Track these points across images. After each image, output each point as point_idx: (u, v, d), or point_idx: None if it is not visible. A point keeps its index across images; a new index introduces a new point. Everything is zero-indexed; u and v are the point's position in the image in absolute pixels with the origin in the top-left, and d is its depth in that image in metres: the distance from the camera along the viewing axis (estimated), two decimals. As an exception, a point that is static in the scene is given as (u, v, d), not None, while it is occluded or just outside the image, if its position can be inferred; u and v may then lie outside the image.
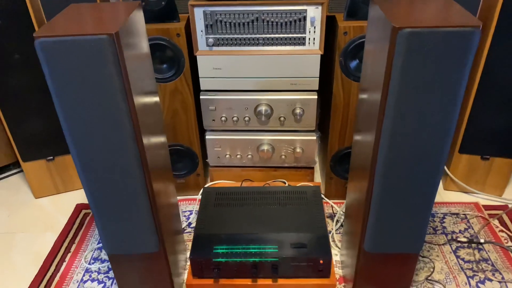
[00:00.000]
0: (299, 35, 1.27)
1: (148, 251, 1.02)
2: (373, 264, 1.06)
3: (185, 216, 1.51)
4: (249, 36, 1.28)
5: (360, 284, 1.10)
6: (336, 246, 1.37)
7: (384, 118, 0.82)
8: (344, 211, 1.44)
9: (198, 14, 1.25)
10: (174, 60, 1.31)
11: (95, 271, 1.31)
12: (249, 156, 1.49)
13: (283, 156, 1.48)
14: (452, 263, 1.30)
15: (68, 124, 0.82)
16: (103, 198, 0.92)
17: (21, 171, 1.76)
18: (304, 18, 1.24)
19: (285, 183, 1.51)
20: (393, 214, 0.95)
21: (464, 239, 1.38)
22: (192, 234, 1.31)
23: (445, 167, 1.58)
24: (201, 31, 1.27)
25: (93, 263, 1.33)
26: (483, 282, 1.23)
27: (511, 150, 1.46)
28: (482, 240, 1.37)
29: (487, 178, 1.55)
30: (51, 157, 1.57)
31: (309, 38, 1.27)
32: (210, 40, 1.28)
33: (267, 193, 1.32)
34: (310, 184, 1.51)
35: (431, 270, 1.27)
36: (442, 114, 0.80)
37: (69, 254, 1.37)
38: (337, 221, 1.45)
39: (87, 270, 1.31)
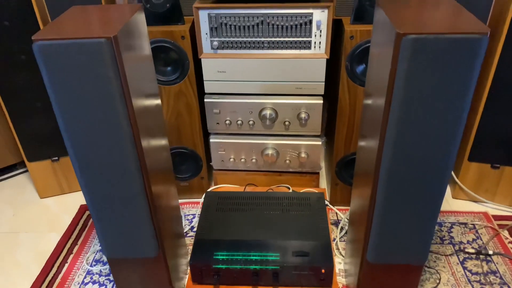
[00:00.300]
0: (304, 39, 1.25)
1: (147, 256, 1.01)
2: (376, 274, 1.03)
3: (188, 219, 1.49)
4: (254, 39, 1.26)
5: (363, 294, 1.08)
6: (340, 254, 1.34)
7: (388, 125, 0.80)
8: (348, 218, 1.42)
9: (203, 17, 1.24)
10: (179, 62, 1.30)
11: (97, 273, 1.30)
12: (254, 160, 1.47)
13: (287, 161, 1.46)
14: (459, 275, 1.26)
15: (66, 127, 0.81)
16: (101, 201, 0.91)
17: (27, 170, 1.77)
18: (310, 21, 1.22)
19: (289, 188, 1.49)
20: (397, 225, 0.92)
21: (472, 250, 1.34)
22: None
23: (454, 175, 1.54)
24: (206, 33, 1.26)
25: (94, 265, 1.33)
26: (490, 295, 1.20)
27: (522, 159, 1.42)
28: (490, 252, 1.33)
29: (498, 187, 1.51)
30: (56, 158, 1.57)
31: (315, 42, 1.25)
32: (215, 43, 1.27)
33: (270, 199, 1.30)
34: (315, 190, 1.49)
35: (437, 281, 1.24)
36: (448, 123, 0.78)
37: (72, 255, 1.37)
38: (342, 228, 1.42)
39: (88, 272, 1.31)
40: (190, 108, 1.38)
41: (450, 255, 1.33)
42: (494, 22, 1.27)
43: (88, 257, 1.36)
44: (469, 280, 1.24)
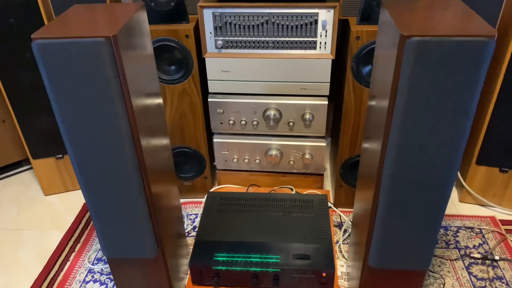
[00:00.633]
0: (310, 39, 1.23)
1: (147, 256, 1.00)
2: (378, 279, 1.02)
3: (190, 219, 1.49)
4: (258, 39, 1.25)
5: (364, 299, 1.06)
6: (343, 257, 1.33)
7: (391, 128, 0.78)
8: (352, 221, 1.40)
9: (207, 16, 1.22)
10: (183, 61, 1.30)
11: (98, 272, 1.30)
12: (257, 161, 1.46)
13: (291, 162, 1.45)
14: (464, 280, 1.24)
15: (65, 126, 0.81)
16: (101, 201, 0.91)
17: (32, 167, 1.77)
18: (316, 21, 1.20)
19: (292, 189, 1.47)
20: (399, 229, 0.90)
21: (478, 255, 1.31)
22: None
23: (461, 179, 1.52)
24: (210, 33, 1.25)
25: (96, 264, 1.33)
26: (496, 302, 1.18)
27: (531, 163, 1.39)
28: (497, 257, 1.31)
29: (506, 191, 1.48)
30: (61, 155, 1.57)
31: (321, 42, 1.23)
32: (219, 42, 1.26)
33: (272, 200, 1.29)
34: (318, 192, 1.47)
35: (441, 286, 1.22)
36: (453, 127, 0.76)
37: (74, 254, 1.37)
38: (345, 230, 1.41)
39: (90, 271, 1.31)
40: (194, 107, 1.37)
41: (455, 259, 1.31)
42: (504, 24, 1.24)
43: (90, 256, 1.36)
44: (474, 285, 1.22)
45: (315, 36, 1.23)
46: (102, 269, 1.31)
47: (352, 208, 1.51)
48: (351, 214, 1.48)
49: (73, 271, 1.31)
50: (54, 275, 1.30)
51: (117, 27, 0.75)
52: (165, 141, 1.05)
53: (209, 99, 1.36)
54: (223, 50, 1.28)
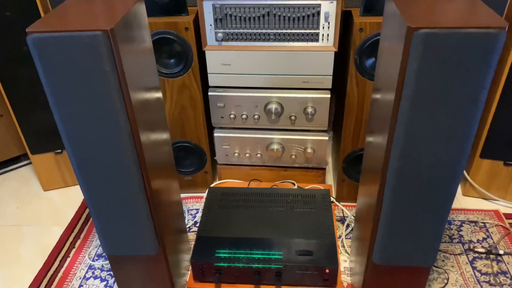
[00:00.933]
0: (312, 31, 1.21)
1: (148, 253, 0.99)
2: (382, 276, 1.01)
3: (191, 214, 1.48)
4: (259, 31, 1.22)
5: (368, 295, 1.05)
6: (346, 252, 1.31)
7: (397, 122, 0.76)
8: (354, 215, 1.39)
9: (207, 8, 1.20)
10: (182, 55, 1.27)
11: (98, 268, 1.29)
12: (258, 155, 1.44)
13: (293, 156, 1.43)
14: (468, 275, 1.23)
15: (63, 122, 0.79)
16: (100, 198, 0.89)
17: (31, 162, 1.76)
18: (318, 13, 1.17)
19: (294, 184, 1.46)
20: (404, 226, 0.89)
21: (482, 250, 1.30)
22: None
23: (465, 172, 1.50)
24: (210, 25, 1.23)
25: (96, 260, 1.32)
26: (500, 297, 1.17)
27: (537, 157, 1.37)
28: (501, 252, 1.29)
29: (510, 184, 1.46)
30: (59, 151, 1.56)
31: (323, 34, 1.21)
32: (219, 34, 1.23)
33: (274, 195, 1.27)
34: (320, 187, 1.46)
35: (445, 281, 1.21)
36: (461, 121, 0.73)
37: (74, 250, 1.36)
38: (348, 225, 1.39)
39: (90, 267, 1.30)
40: (194, 101, 1.35)
41: (459, 254, 1.30)
42: (510, 15, 1.22)
43: (90, 252, 1.35)
44: (478, 280, 1.21)
45: (318, 28, 1.20)
46: (102, 265, 1.30)
47: (354, 203, 1.49)
48: (354, 209, 1.47)
49: (74, 267, 1.30)
50: (55, 271, 1.29)
51: (115, 20, 0.73)
52: (165, 135, 1.03)
53: (209, 93, 1.34)
54: (224, 43, 1.26)
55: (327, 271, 1.04)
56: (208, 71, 1.30)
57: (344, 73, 1.33)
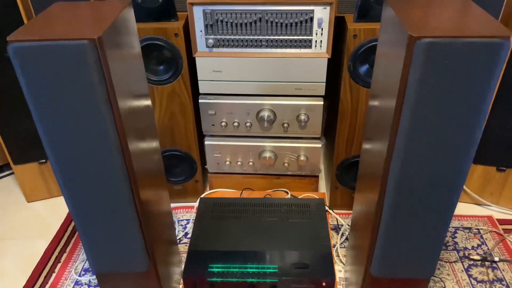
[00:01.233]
0: (305, 37, 1.18)
1: (138, 270, 0.95)
2: (380, 287, 0.98)
3: (181, 225, 1.43)
4: (251, 37, 1.19)
5: (365, 307, 1.02)
6: (341, 261, 1.29)
7: (398, 131, 0.74)
8: (350, 224, 1.36)
9: (198, 13, 1.16)
10: (172, 61, 1.23)
11: (86, 284, 1.24)
12: (250, 163, 1.41)
13: (286, 164, 1.40)
14: (464, 283, 1.21)
15: (47, 135, 0.75)
16: (87, 212, 0.85)
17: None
18: (311, 19, 1.15)
19: (287, 192, 1.43)
20: (404, 235, 0.86)
21: (477, 257, 1.29)
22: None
23: (458, 178, 1.49)
24: (201, 31, 1.19)
25: (83, 275, 1.27)
26: (497, 306, 1.15)
27: (529, 162, 1.37)
28: (496, 258, 1.28)
29: (503, 190, 1.46)
30: (44, 160, 1.50)
31: (316, 41, 1.18)
32: (210, 41, 1.20)
33: (267, 206, 1.24)
34: (314, 195, 1.43)
35: (442, 291, 1.19)
36: (464, 130, 0.72)
37: (60, 264, 1.31)
38: (343, 234, 1.37)
39: (76, 283, 1.24)
40: (184, 109, 1.31)
41: (454, 262, 1.28)
42: (504, 22, 1.21)
43: (77, 266, 1.30)
44: (474, 289, 1.20)
45: (311, 34, 1.18)
46: (89, 281, 1.25)
47: (348, 210, 1.47)
48: (349, 217, 1.45)
49: (59, 283, 1.24)
50: (39, 287, 1.23)
51: (102, 28, 0.69)
52: (154, 144, 0.99)
53: (200, 100, 1.30)
54: (214, 49, 1.22)
55: (323, 284, 1.01)
56: (199, 78, 1.27)
57: (337, 79, 1.31)
